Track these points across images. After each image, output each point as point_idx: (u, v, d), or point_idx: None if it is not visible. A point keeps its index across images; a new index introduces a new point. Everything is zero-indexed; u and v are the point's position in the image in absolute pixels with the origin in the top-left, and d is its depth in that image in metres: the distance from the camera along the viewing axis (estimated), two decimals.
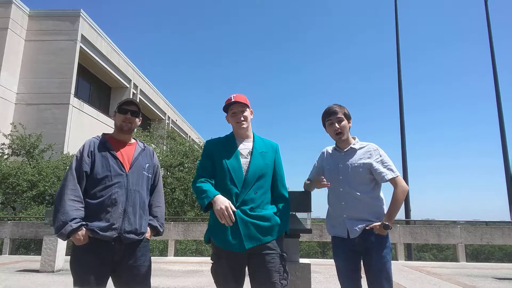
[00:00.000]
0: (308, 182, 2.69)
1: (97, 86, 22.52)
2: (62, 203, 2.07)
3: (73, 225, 2.03)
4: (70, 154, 15.00)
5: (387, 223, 2.30)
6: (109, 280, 2.19)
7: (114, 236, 2.11)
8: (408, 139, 15.14)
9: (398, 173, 2.40)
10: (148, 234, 2.30)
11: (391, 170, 2.39)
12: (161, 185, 2.51)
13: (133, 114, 2.35)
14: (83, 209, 2.12)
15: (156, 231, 2.36)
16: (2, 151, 14.24)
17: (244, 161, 2.24)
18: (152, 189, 2.42)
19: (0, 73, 16.13)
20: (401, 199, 2.35)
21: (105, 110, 22.49)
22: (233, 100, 2.25)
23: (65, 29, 18.08)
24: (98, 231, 2.09)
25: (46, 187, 12.55)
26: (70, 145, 16.79)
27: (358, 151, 2.48)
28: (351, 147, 2.49)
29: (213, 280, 2.21)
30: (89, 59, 19.93)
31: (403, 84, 15.51)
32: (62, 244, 6.98)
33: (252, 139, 2.35)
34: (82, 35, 18.40)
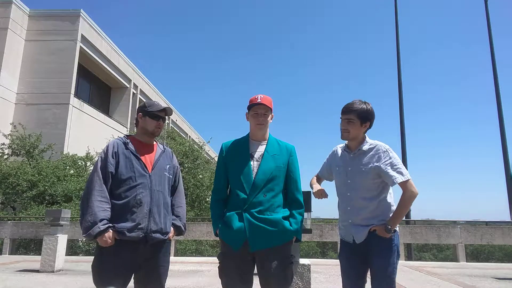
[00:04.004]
0: (314, 185, 2.66)
1: (97, 86, 22.51)
2: (90, 203, 2.10)
3: (101, 226, 2.07)
4: (70, 154, 15.01)
5: (389, 226, 2.23)
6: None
7: (141, 236, 2.16)
8: (408, 139, 15.13)
9: (409, 177, 2.26)
10: (171, 234, 2.35)
11: (401, 173, 2.26)
12: (182, 185, 2.56)
13: (163, 120, 2.44)
14: (109, 209, 2.15)
15: (179, 231, 2.42)
16: (2, 151, 14.23)
17: (255, 164, 2.27)
18: (173, 190, 2.48)
19: (0, 73, 16.13)
20: (408, 204, 2.25)
21: (105, 110, 22.47)
22: (259, 101, 2.26)
23: (65, 29, 18.09)
24: (125, 232, 2.13)
25: (46, 187, 12.55)
26: (70, 145, 16.79)
27: (367, 153, 2.35)
28: (359, 149, 2.37)
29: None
30: (89, 59, 19.93)
31: (403, 85, 15.52)
32: (62, 244, 6.98)
33: (266, 141, 2.36)
34: (82, 35, 18.41)
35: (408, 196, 2.24)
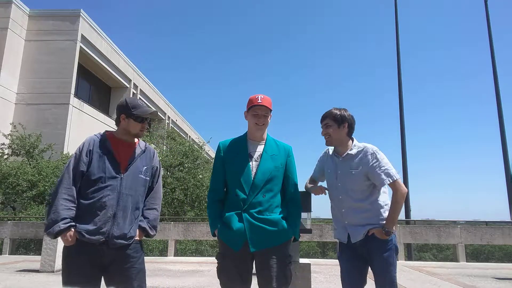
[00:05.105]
0: (310, 185, 2.69)
1: (97, 86, 22.51)
2: (55, 201, 2.05)
3: (62, 225, 2.01)
4: (70, 154, 15.01)
5: (388, 229, 2.28)
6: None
7: (101, 240, 2.08)
8: (408, 139, 15.16)
9: (396, 177, 2.34)
10: (137, 237, 2.22)
11: (389, 174, 2.32)
12: (159, 187, 2.42)
13: (147, 120, 2.35)
14: (74, 208, 2.08)
15: (145, 233, 2.27)
16: (2, 151, 14.23)
17: (254, 164, 2.25)
18: (148, 191, 2.35)
19: (0, 73, 16.13)
20: (400, 204, 2.32)
21: (105, 110, 22.48)
22: (260, 101, 2.24)
23: (65, 29, 18.07)
24: (85, 234, 2.05)
25: (46, 187, 12.56)
26: (70, 145, 16.78)
27: (355, 156, 2.41)
28: (347, 153, 2.43)
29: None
30: (89, 59, 19.93)
31: (403, 85, 15.53)
32: (62, 244, 6.96)
33: (265, 141, 2.35)
34: (82, 35, 18.40)
35: (398, 196, 2.32)
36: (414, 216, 13.49)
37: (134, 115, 2.26)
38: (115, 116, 2.42)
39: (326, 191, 2.56)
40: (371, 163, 2.34)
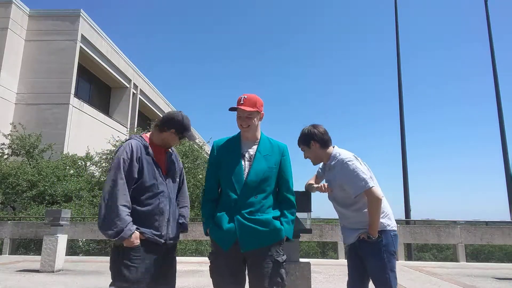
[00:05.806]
0: (311, 184, 2.72)
1: (97, 86, 22.51)
2: (116, 208, 2.13)
3: (131, 228, 2.16)
4: (70, 154, 15.01)
5: (369, 234, 2.37)
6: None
7: (161, 243, 2.28)
8: (408, 139, 15.16)
9: (366, 187, 2.32)
10: None
11: (358, 186, 2.34)
12: (186, 185, 2.62)
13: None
14: (130, 214, 2.21)
15: (183, 228, 2.51)
16: (2, 151, 14.22)
17: (246, 164, 2.23)
18: (178, 190, 2.53)
19: (0, 73, 16.13)
20: (375, 211, 2.34)
21: (105, 110, 22.47)
22: (242, 102, 2.21)
23: (65, 29, 18.07)
24: (151, 236, 2.23)
25: (46, 187, 12.55)
26: (70, 145, 16.79)
27: (332, 169, 2.51)
28: (328, 166, 2.56)
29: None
30: (89, 59, 19.93)
31: (403, 85, 15.52)
32: (62, 244, 6.98)
33: (258, 141, 2.31)
34: (82, 35, 18.40)
35: (370, 204, 2.35)
36: (414, 216, 13.49)
37: (182, 136, 2.39)
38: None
39: (330, 189, 2.58)
40: (341, 176, 2.42)
